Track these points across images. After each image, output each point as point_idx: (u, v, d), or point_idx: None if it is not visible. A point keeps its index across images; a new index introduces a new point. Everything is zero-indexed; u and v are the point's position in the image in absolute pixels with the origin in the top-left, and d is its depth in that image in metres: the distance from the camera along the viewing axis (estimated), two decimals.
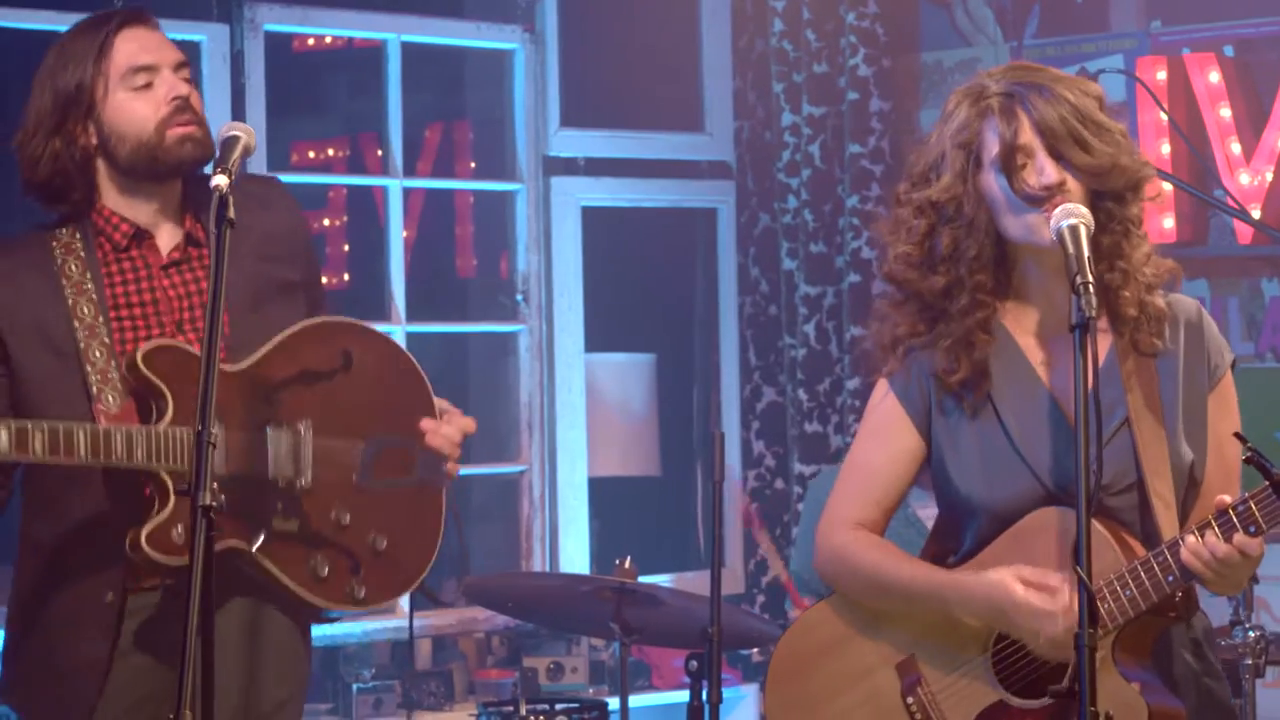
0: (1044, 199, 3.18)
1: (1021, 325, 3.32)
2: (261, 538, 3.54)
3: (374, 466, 3.69)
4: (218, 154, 3.35)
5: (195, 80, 3.76)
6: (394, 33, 6.20)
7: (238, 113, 5.82)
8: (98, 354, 3.57)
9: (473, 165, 7.42)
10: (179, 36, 3.81)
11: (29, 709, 3.63)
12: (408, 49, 6.24)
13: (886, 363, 3.40)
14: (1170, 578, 3.13)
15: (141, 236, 3.66)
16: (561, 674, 6.06)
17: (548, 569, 6.36)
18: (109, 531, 3.50)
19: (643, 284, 6.97)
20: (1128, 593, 3.14)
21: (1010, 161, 3.20)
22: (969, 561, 3.32)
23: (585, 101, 6.57)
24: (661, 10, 6.66)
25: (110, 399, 3.53)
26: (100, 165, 3.66)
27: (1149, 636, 3.22)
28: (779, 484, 6.52)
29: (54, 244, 3.66)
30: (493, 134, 6.78)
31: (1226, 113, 5.81)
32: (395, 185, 6.28)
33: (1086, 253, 3.06)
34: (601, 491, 6.58)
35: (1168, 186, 5.16)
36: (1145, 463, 3.21)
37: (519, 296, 6.48)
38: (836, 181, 6.37)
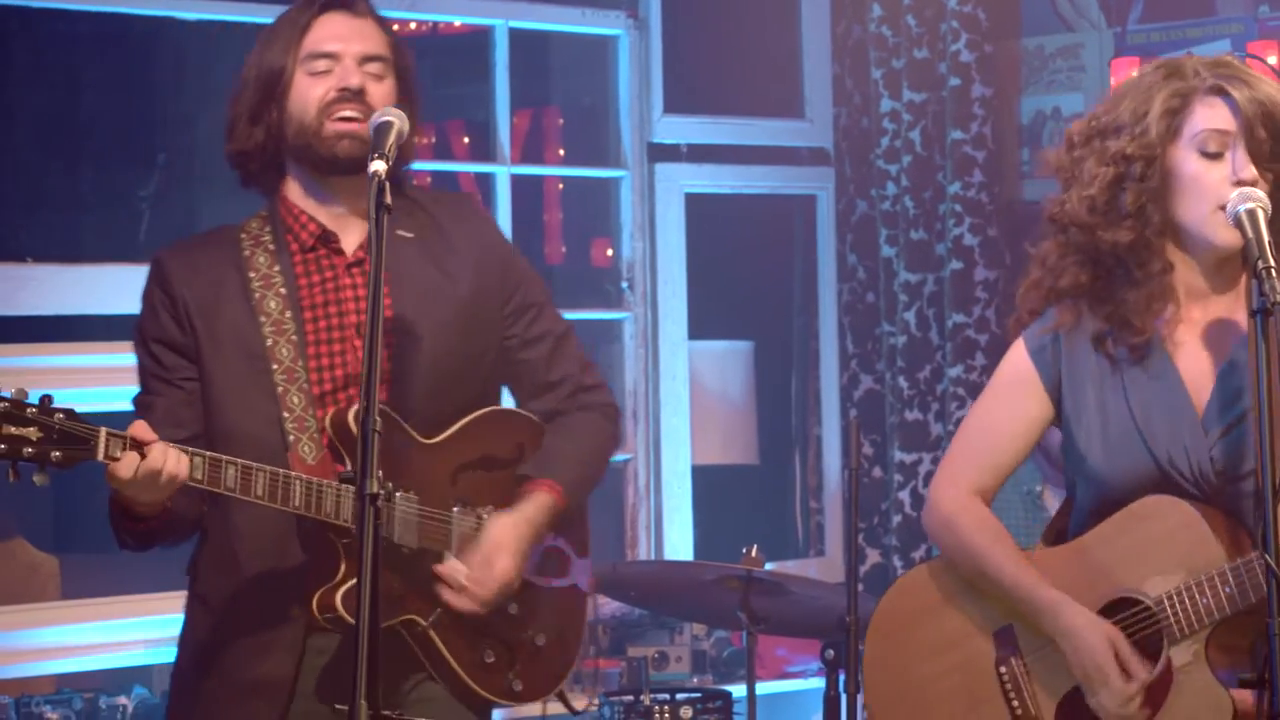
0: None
1: None
2: (436, 613, 3.49)
3: (539, 564, 3.66)
4: (372, 141, 3.32)
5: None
6: (502, 19, 6.18)
7: None
8: (285, 351, 3.51)
9: (561, 152, 7.39)
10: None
11: None
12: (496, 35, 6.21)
13: (1037, 304, 3.34)
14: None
15: (328, 237, 3.59)
16: (666, 663, 6.02)
17: (652, 557, 6.33)
18: (295, 551, 3.45)
19: (740, 271, 6.93)
20: (1227, 590, 3.12)
21: (1209, 145, 3.17)
22: (1074, 540, 3.29)
23: (687, 88, 6.53)
24: None
25: (306, 449, 3.46)
26: (288, 155, 3.60)
27: (1247, 636, 3.17)
28: (876, 472, 6.48)
29: (242, 235, 3.61)
30: (582, 120, 6.74)
31: None
32: (503, 172, 6.26)
33: (1267, 237, 3.03)
34: (699, 479, 6.55)
35: None
36: None
37: (624, 284, 6.46)
38: (937, 168, 6.32)
